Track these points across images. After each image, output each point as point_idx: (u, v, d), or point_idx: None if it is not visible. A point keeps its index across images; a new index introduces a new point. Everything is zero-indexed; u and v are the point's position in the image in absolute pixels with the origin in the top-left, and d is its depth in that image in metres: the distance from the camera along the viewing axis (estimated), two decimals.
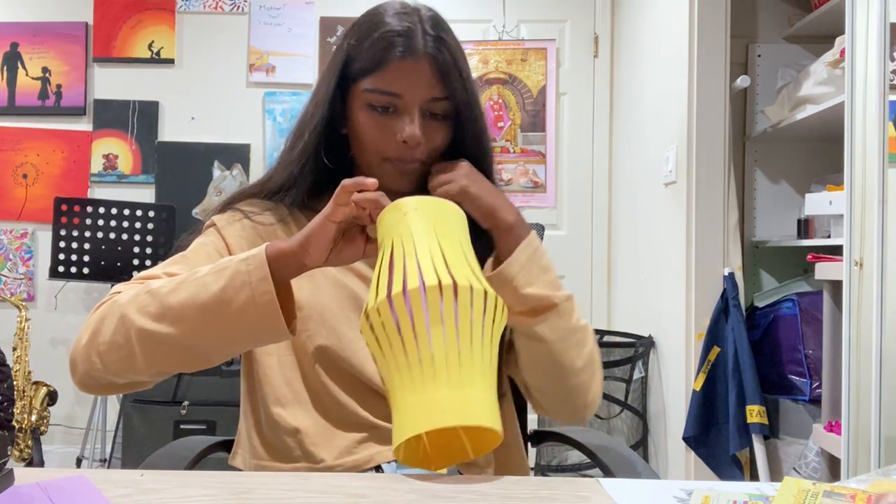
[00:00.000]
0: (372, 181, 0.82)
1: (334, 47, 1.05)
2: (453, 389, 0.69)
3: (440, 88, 0.95)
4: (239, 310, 0.81)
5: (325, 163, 0.98)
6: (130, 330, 0.84)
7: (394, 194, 0.92)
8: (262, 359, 0.99)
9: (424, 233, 0.77)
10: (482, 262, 0.87)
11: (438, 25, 0.97)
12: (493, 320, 0.75)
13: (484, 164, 1.00)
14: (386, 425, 0.94)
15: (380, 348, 0.73)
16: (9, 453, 2.84)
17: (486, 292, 0.74)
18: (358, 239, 0.86)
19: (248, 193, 1.04)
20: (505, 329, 0.81)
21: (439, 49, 0.95)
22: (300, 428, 0.95)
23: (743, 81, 2.44)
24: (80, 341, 0.89)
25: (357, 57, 0.96)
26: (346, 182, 0.82)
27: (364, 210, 0.82)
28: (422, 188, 0.97)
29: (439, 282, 0.71)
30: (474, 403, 0.70)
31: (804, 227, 2.48)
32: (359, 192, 0.82)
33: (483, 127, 1.01)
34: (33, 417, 2.95)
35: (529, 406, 1.07)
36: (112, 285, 3.51)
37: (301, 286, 0.94)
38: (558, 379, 0.94)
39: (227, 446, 1.09)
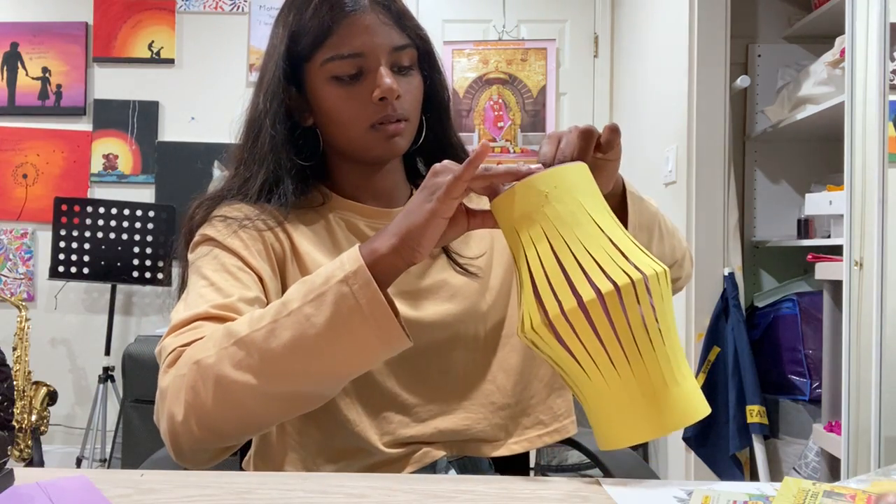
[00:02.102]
0: (485, 146, 0.72)
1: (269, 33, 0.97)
2: (673, 388, 0.68)
3: (399, 35, 0.91)
4: (354, 338, 0.73)
5: (295, 160, 0.93)
6: (236, 391, 0.74)
7: (383, 161, 0.92)
8: None
9: (580, 216, 0.70)
10: None
11: None
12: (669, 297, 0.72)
13: (445, 116, 0.99)
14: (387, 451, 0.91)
15: (572, 356, 0.70)
16: (9, 453, 2.84)
17: (665, 272, 0.71)
18: (458, 215, 0.77)
19: (227, 197, 0.94)
20: None
21: None
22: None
23: (743, 81, 2.44)
24: (174, 418, 0.75)
25: (302, 32, 0.90)
26: (460, 173, 0.72)
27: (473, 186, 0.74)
28: (420, 149, 0.98)
29: (631, 280, 0.67)
30: (693, 397, 0.70)
31: (804, 227, 2.48)
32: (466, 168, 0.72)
33: (443, 74, 0.99)
34: (33, 417, 2.95)
35: None
36: (112, 286, 3.48)
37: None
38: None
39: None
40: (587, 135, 0.77)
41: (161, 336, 0.84)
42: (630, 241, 0.71)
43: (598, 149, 0.79)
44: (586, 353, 0.69)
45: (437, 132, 1.00)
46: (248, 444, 1.00)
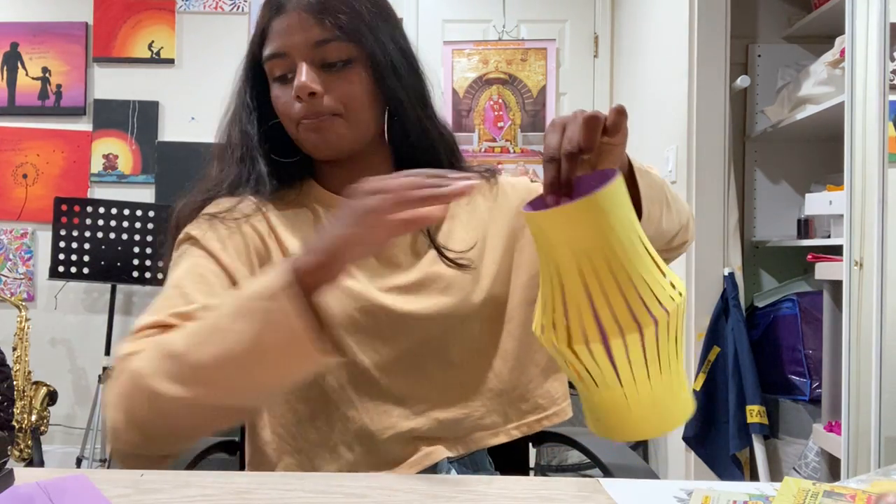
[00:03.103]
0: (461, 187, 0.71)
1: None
2: (670, 401, 0.72)
3: (319, 30, 0.90)
4: (280, 353, 0.73)
5: (274, 157, 0.96)
6: (166, 403, 0.75)
7: (325, 158, 0.93)
8: None
9: (613, 247, 0.69)
10: None
11: None
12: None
13: (411, 107, 0.95)
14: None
15: (585, 369, 0.72)
16: (9, 453, 2.83)
17: (683, 299, 0.73)
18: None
19: (211, 194, 0.97)
20: None
21: None
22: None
23: (743, 81, 2.44)
24: (116, 426, 0.78)
25: (256, 33, 0.95)
26: (386, 201, 0.70)
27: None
28: (403, 142, 0.96)
29: (654, 320, 0.69)
30: (688, 399, 0.74)
31: (804, 227, 2.48)
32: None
33: (416, 69, 0.96)
34: (33, 417, 2.95)
35: None
36: (112, 286, 3.47)
37: None
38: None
39: (227, 446, 1.09)
40: (593, 122, 0.74)
41: None
42: (657, 270, 0.72)
43: (604, 133, 0.76)
44: (599, 371, 0.71)
45: (405, 124, 0.96)
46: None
